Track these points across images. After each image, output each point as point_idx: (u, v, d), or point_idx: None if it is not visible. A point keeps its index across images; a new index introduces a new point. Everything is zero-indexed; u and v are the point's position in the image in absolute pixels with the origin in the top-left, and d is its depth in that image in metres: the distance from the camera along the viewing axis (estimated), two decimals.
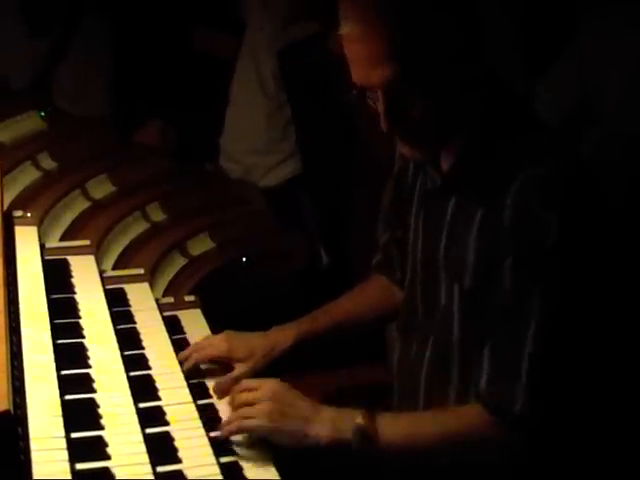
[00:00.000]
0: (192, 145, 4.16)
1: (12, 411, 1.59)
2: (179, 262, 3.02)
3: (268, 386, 2.06)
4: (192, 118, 4.22)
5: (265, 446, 2.00)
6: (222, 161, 4.17)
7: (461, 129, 1.99)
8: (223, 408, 2.15)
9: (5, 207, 2.78)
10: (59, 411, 1.85)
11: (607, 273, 1.98)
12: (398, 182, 2.31)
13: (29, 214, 2.79)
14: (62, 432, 1.79)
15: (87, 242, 2.77)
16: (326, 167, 3.93)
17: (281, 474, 1.94)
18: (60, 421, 1.82)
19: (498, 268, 1.92)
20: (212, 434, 2.00)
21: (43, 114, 3.58)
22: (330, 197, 3.97)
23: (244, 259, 3.21)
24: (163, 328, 2.42)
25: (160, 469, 1.83)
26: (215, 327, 2.50)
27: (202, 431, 1.99)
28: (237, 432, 2.01)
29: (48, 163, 3.29)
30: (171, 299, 2.67)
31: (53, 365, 2.02)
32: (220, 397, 2.20)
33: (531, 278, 1.89)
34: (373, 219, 2.48)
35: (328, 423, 1.98)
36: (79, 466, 1.75)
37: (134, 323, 2.43)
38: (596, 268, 1.94)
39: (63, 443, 1.75)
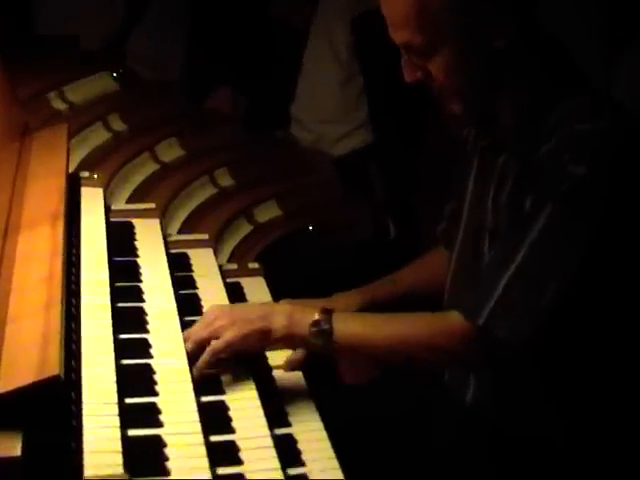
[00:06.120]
0: (263, 112, 4.14)
1: (62, 376, 1.57)
2: (245, 229, 3.01)
3: (214, 310, 2.10)
4: (264, 85, 4.20)
5: (321, 420, 1.98)
6: (293, 129, 4.15)
7: (501, 92, 2.00)
8: (280, 377, 2.13)
9: (73, 168, 2.78)
10: (114, 376, 1.83)
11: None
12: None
13: (96, 175, 2.77)
14: (115, 398, 1.76)
15: (153, 205, 2.74)
16: (397, 138, 3.89)
17: (335, 449, 1.90)
18: (114, 387, 1.79)
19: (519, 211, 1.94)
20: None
21: (115, 75, 3.57)
22: (400, 169, 3.94)
23: (310, 228, 3.19)
24: (225, 295, 2.39)
25: (213, 438, 1.81)
26: (278, 295, 2.48)
27: (257, 402, 1.96)
28: (213, 356, 2.01)
29: (118, 125, 3.29)
30: (235, 265, 2.66)
31: (111, 329, 2.00)
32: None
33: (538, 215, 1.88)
34: (441, 193, 2.45)
35: (285, 316, 2.03)
36: (131, 432, 1.72)
37: (196, 289, 2.41)
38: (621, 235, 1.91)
39: (115, 409, 1.73)
